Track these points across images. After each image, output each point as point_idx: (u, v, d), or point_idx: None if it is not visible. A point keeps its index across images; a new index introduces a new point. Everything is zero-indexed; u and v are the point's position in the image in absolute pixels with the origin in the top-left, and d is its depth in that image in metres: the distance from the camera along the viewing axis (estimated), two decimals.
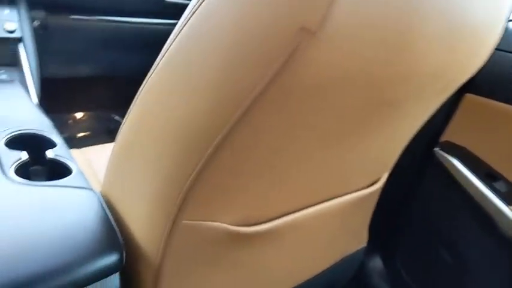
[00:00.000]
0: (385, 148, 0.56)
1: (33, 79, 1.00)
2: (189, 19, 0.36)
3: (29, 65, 1.00)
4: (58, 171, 0.62)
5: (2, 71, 1.00)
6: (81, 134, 1.62)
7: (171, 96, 0.39)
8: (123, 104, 1.84)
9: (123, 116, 1.48)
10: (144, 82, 0.43)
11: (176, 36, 0.38)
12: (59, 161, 0.62)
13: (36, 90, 0.99)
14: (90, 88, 1.62)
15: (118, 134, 0.50)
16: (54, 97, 1.13)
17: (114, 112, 1.75)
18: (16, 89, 0.84)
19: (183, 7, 0.47)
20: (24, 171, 0.59)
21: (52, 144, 0.67)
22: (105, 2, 1.19)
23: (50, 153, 0.63)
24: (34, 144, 0.68)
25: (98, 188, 0.71)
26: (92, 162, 0.90)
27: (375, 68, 0.35)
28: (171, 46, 0.38)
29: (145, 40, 1.36)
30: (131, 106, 0.46)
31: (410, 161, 0.74)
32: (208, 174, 0.39)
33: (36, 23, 1.10)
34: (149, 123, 0.43)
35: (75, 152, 0.92)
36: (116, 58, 1.43)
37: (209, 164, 0.38)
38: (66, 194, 0.53)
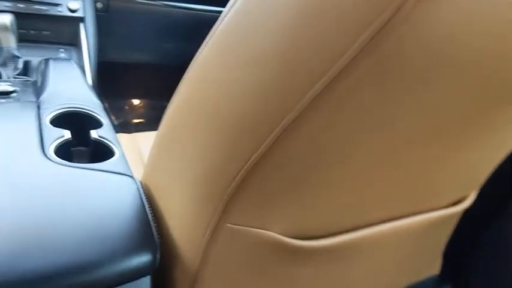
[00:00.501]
0: (482, 159, 0.45)
1: (90, 60, 0.99)
2: None
3: (88, 45, 0.99)
4: (101, 153, 0.58)
5: (62, 50, 0.99)
6: (135, 121, 1.62)
7: (224, 73, 0.32)
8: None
9: None
10: (191, 62, 0.36)
11: (233, 5, 0.31)
12: (103, 142, 0.58)
13: (92, 72, 0.97)
14: (147, 75, 1.62)
15: (162, 119, 0.44)
16: (111, 82, 1.12)
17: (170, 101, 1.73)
18: (71, 67, 0.82)
19: None
20: (65, 150, 0.55)
21: (98, 125, 0.64)
22: None
23: (94, 134, 0.59)
24: (80, 123, 0.65)
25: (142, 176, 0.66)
26: (140, 148, 0.86)
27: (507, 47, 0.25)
28: (225, 18, 0.31)
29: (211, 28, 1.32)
30: (178, 87, 0.40)
31: (501, 177, 0.61)
32: (263, 170, 0.31)
33: (99, 5, 1.09)
34: (196, 106, 0.36)
35: (125, 136, 0.89)
36: (176, 46, 1.40)
37: (265, 157, 0.30)
38: (104, 180, 0.48)
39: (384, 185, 0.40)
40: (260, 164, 0.30)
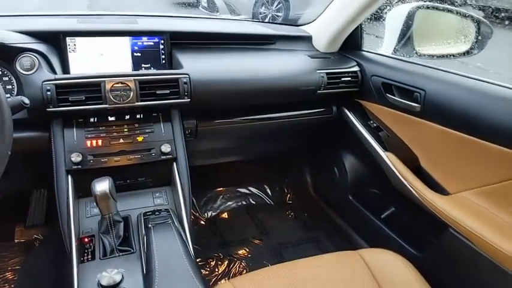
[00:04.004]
0: None
1: (184, 197, 0.96)
2: None
3: (181, 183, 0.97)
4: None
5: (157, 194, 0.98)
6: (223, 215, 1.60)
7: None
8: (259, 179, 1.77)
9: (259, 188, 1.56)
10: None
11: None
12: None
13: (187, 212, 0.94)
14: (231, 169, 1.60)
15: None
16: (198, 178, 1.11)
17: (252, 186, 1.71)
18: (173, 240, 0.79)
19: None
20: None
21: None
22: (254, 100, 1.12)
23: None
24: None
25: None
26: None
27: None
28: None
29: (292, 129, 1.27)
30: None
31: None
32: None
33: (187, 132, 1.07)
34: None
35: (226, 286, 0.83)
36: (251, 146, 1.39)
37: None
38: None
39: None
40: None
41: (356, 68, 1.18)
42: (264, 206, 1.66)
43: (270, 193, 1.70)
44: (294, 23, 1.42)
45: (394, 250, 0.91)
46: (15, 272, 1.23)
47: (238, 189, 1.69)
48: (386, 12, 1.21)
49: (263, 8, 5.10)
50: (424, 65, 1.05)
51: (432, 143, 1.00)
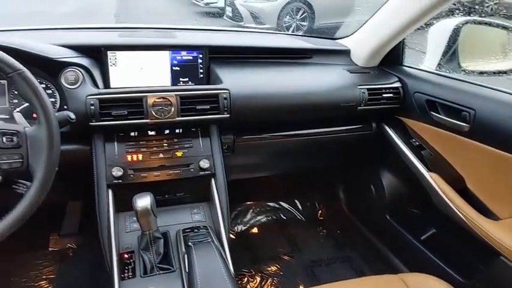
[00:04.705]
0: None
1: (223, 213, 0.94)
2: None
3: (220, 199, 0.95)
4: None
5: (195, 210, 0.97)
6: (253, 231, 1.58)
7: None
8: (290, 194, 1.73)
9: (289, 203, 1.54)
10: None
11: None
12: None
13: (226, 230, 0.92)
14: (261, 182, 1.58)
15: None
16: (232, 192, 1.10)
17: (283, 200, 1.68)
18: (214, 259, 0.77)
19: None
20: None
21: None
22: (293, 115, 1.10)
23: None
24: None
25: None
26: None
27: None
28: None
29: (329, 145, 1.24)
30: None
31: None
32: None
33: (225, 147, 1.06)
34: None
35: None
36: (283, 161, 1.36)
37: None
38: None
39: None
40: None
41: (398, 84, 1.15)
42: (295, 221, 1.63)
43: (301, 208, 1.67)
44: (322, 34, 1.40)
45: (437, 275, 0.86)
46: (50, 281, 1.23)
47: (269, 204, 1.67)
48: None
49: (288, 17, 5.11)
50: (473, 83, 1.01)
51: (481, 164, 0.96)
